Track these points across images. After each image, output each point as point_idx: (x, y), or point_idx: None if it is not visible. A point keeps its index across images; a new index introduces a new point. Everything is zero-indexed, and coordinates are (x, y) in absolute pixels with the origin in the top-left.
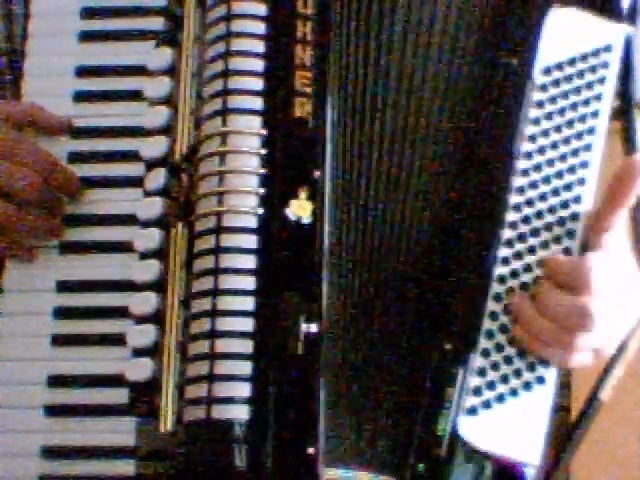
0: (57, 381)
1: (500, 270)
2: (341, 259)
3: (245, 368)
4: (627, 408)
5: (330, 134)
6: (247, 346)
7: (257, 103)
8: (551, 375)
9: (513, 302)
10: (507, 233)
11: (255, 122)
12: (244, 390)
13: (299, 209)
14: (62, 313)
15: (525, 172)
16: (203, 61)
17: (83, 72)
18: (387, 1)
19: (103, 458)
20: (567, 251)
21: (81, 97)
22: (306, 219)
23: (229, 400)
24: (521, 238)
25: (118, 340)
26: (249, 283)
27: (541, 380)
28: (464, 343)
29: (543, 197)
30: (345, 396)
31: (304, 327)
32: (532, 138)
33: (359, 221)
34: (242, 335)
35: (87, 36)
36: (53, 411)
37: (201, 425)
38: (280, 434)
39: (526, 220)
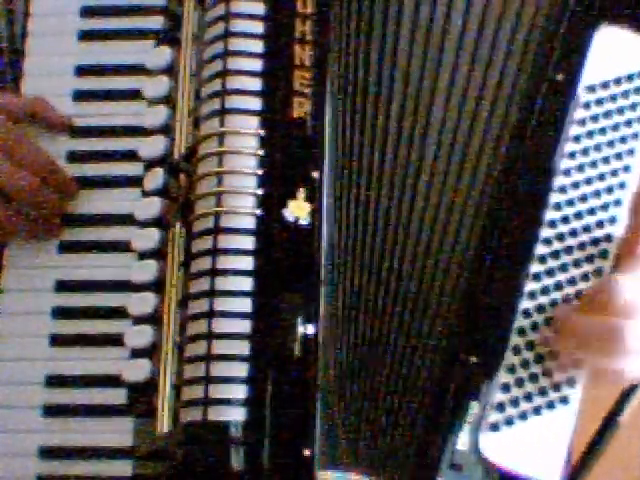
0: (55, 381)
1: (531, 286)
2: (339, 260)
3: (242, 370)
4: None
5: (329, 134)
6: (244, 347)
7: (255, 103)
8: (575, 396)
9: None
10: (540, 249)
11: (253, 122)
12: (241, 392)
13: (297, 210)
14: (61, 313)
15: (563, 189)
16: (202, 61)
17: (83, 71)
18: (389, 0)
19: (101, 458)
20: (599, 272)
21: (81, 96)
22: (304, 220)
23: (226, 401)
24: (554, 255)
25: (116, 340)
26: (246, 284)
27: (565, 400)
28: (491, 358)
29: (579, 215)
30: (345, 398)
31: (301, 328)
32: (572, 155)
33: (358, 222)
34: (239, 336)
35: (87, 35)
36: (51, 411)
37: (198, 426)
38: (277, 436)
39: (560, 237)
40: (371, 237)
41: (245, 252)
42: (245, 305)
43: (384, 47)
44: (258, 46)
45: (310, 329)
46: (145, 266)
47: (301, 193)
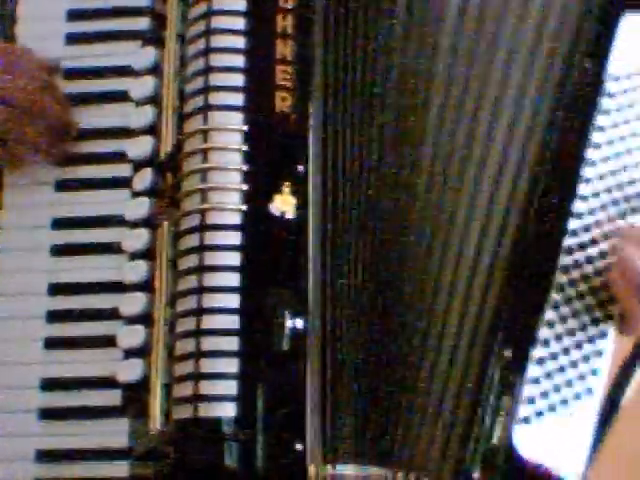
0: (51, 384)
1: (560, 278)
2: (327, 253)
3: (231, 365)
4: (635, 405)
5: (313, 128)
6: (233, 343)
7: (238, 99)
8: (599, 386)
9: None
10: (569, 240)
11: (236, 118)
12: (231, 388)
13: (283, 204)
14: (54, 316)
15: (588, 181)
16: (185, 58)
17: (71, 74)
18: None
19: (98, 460)
20: None
21: (69, 99)
22: (290, 214)
23: (216, 398)
24: (582, 247)
25: (110, 341)
26: (234, 280)
27: (590, 391)
28: (523, 351)
29: (603, 207)
30: (347, 393)
31: (290, 323)
32: (597, 146)
33: (344, 214)
34: (228, 332)
35: (74, 38)
36: (47, 414)
37: (189, 424)
38: (269, 431)
39: (586, 229)
40: (358, 229)
41: (232, 248)
42: (233, 301)
43: (367, 39)
44: (240, 42)
45: (299, 323)
46: (136, 267)
47: (286, 187)
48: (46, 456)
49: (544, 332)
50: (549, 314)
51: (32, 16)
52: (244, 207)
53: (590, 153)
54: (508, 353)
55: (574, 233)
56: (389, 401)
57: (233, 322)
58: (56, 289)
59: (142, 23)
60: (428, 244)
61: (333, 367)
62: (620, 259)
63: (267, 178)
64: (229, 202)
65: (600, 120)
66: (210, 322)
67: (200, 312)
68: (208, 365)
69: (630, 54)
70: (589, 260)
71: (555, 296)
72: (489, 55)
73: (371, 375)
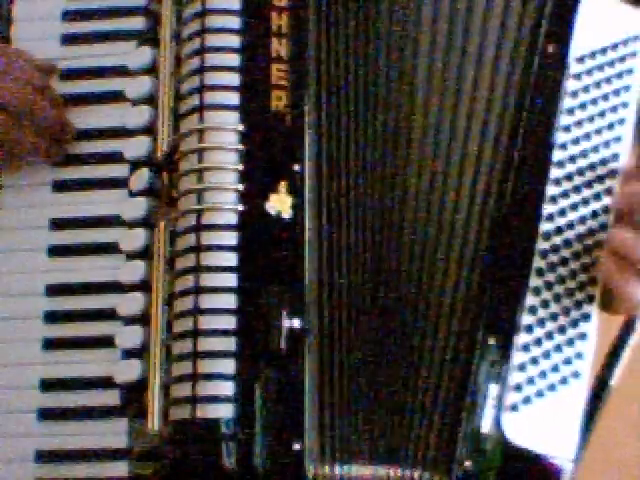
0: (50, 385)
1: (538, 263)
2: (324, 252)
3: (228, 366)
4: (627, 408)
5: (309, 126)
6: (230, 344)
7: (234, 98)
8: (586, 369)
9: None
10: (545, 226)
11: (232, 117)
12: (228, 388)
13: (279, 203)
14: (52, 317)
15: (560, 164)
16: (180, 58)
17: (67, 75)
18: None
19: (97, 460)
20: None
21: (66, 99)
22: (287, 213)
23: (213, 399)
24: (558, 232)
25: (108, 342)
26: (230, 280)
27: (576, 374)
28: (507, 338)
29: (577, 189)
30: (344, 393)
31: (287, 322)
32: (567, 129)
33: (341, 213)
34: (225, 333)
35: (69, 39)
36: (47, 415)
37: (186, 424)
38: (267, 431)
39: (562, 212)
40: (354, 228)
41: (228, 248)
42: (230, 301)
43: (361, 37)
44: (235, 41)
45: (296, 323)
46: (133, 267)
47: (283, 186)
48: (46, 456)
49: (527, 318)
50: (530, 300)
51: (28, 16)
52: (240, 207)
53: (560, 136)
54: (492, 341)
55: (550, 217)
56: (388, 400)
57: (230, 322)
58: (54, 290)
59: (137, 23)
60: (422, 241)
61: (330, 367)
62: (610, 237)
63: (263, 177)
64: (225, 202)
65: (568, 102)
66: (207, 322)
67: (197, 312)
68: (206, 366)
69: (592, 33)
70: (567, 243)
71: (535, 281)
72: (461, 48)
73: (369, 374)
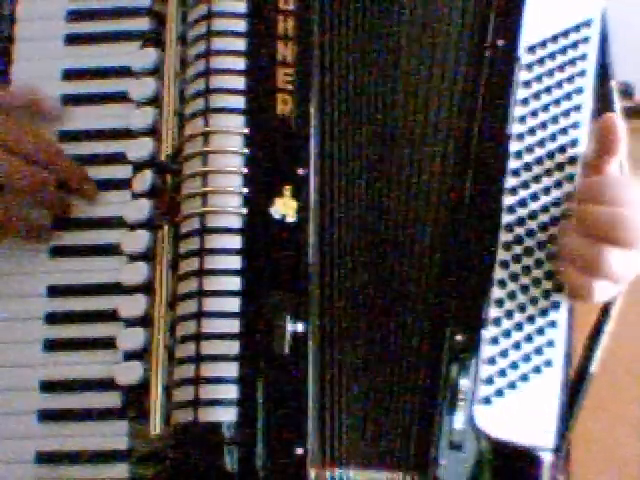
0: (50, 386)
1: (502, 255)
2: (327, 257)
3: (232, 369)
4: (626, 408)
5: (314, 131)
6: (233, 347)
7: (239, 102)
8: (559, 357)
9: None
10: (506, 218)
11: (237, 121)
12: (231, 392)
13: (284, 207)
14: (53, 318)
15: (518, 154)
16: (185, 60)
17: (70, 75)
18: None
19: (97, 462)
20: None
21: (68, 100)
22: (291, 217)
23: (216, 402)
24: (520, 222)
25: (109, 343)
26: (234, 284)
27: (549, 363)
28: (474, 332)
29: (537, 179)
30: (344, 397)
31: (290, 326)
32: (522, 119)
33: (347, 217)
34: (228, 336)
35: (73, 39)
36: (47, 416)
37: (189, 428)
38: (269, 435)
39: (522, 203)
40: (359, 232)
41: (232, 251)
42: (233, 304)
43: (367, 41)
44: (241, 44)
45: (299, 327)
46: (135, 268)
47: (287, 191)
48: (46, 458)
49: (494, 311)
50: (497, 293)
51: (31, 16)
52: (245, 210)
53: (516, 127)
54: (460, 338)
55: (511, 209)
56: (389, 402)
57: (234, 326)
58: (55, 291)
59: (142, 24)
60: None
61: (332, 371)
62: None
63: (268, 181)
64: (230, 205)
65: (521, 93)
66: (210, 326)
67: (200, 315)
68: (208, 369)
69: (543, 21)
70: (530, 234)
71: (501, 274)
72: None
73: (371, 377)
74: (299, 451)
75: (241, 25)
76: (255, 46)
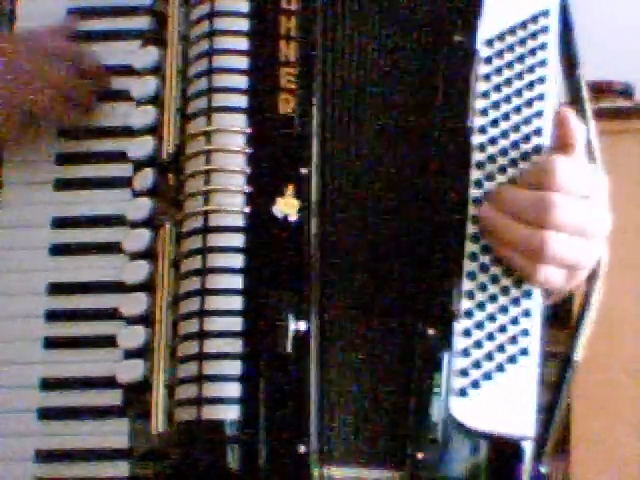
0: (50, 384)
1: (470, 248)
2: (330, 256)
3: (235, 368)
4: (626, 408)
5: (316, 130)
6: (236, 345)
7: (242, 101)
8: (534, 345)
9: (480, 211)
10: (472, 210)
11: (240, 120)
12: (234, 390)
13: (286, 206)
14: (53, 316)
15: (482, 147)
16: (188, 59)
17: None
18: None
19: (98, 460)
20: None
21: None
22: (293, 216)
23: (219, 400)
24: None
25: (110, 342)
26: (237, 282)
27: (525, 352)
28: (445, 326)
29: (502, 170)
30: (345, 396)
31: (293, 325)
32: (484, 112)
33: (349, 217)
34: (231, 335)
35: (74, 37)
36: (47, 414)
37: (192, 426)
38: (272, 433)
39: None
40: (360, 232)
41: (235, 250)
42: (236, 303)
43: (369, 40)
44: (243, 43)
45: (302, 326)
46: (137, 267)
47: (290, 190)
48: (46, 456)
49: (465, 303)
50: (467, 285)
51: (31, 14)
52: (247, 209)
53: (478, 120)
54: (431, 332)
55: (477, 201)
56: (382, 400)
57: (236, 324)
58: (56, 289)
59: (143, 22)
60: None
61: (334, 369)
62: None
63: (270, 180)
64: (232, 204)
65: (482, 86)
66: (213, 324)
67: (203, 313)
68: (211, 367)
69: (500, 14)
70: None
71: (470, 266)
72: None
73: (371, 376)
74: (302, 449)
75: (244, 24)
76: (257, 45)
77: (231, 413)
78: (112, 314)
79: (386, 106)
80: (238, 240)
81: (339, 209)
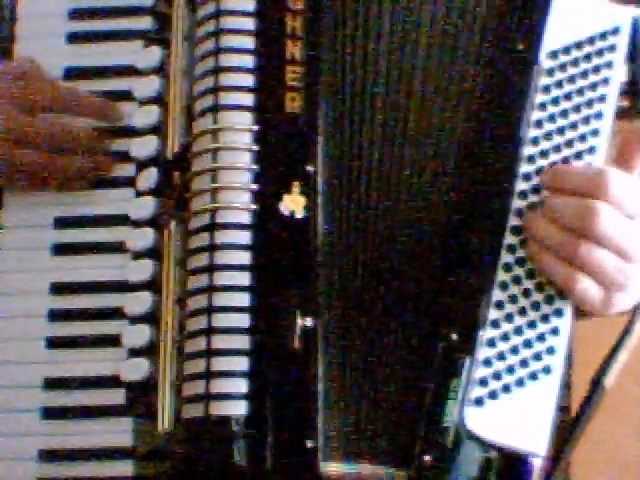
0: (53, 383)
1: (505, 258)
2: (336, 253)
3: (242, 364)
4: (627, 408)
5: (322, 128)
6: (244, 342)
7: (248, 99)
8: (558, 364)
9: (527, 218)
10: (513, 220)
11: (246, 118)
12: (242, 386)
13: (292, 204)
14: (57, 315)
15: (531, 159)
16: (194, 58)
17: (72, 73)
18: None
19: (101, 459)
20: None
21: None
22: (300, 214)
23: (227, 396)
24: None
25: (114, 341)
26: (244, 279)
27: (547, 370)
28: (470, 333)
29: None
30: (349, 393)
31: (300, 321)
32: (539, 123)
33: (354, 214)
34: (238, 331)
35: (75, 37)
36: (50, 413)
37: (200, 422)
38: (279, 429)
39: (532, 207)
40: (366, 229)
41: (242, 247)
42: (244, 299)
43: (375, 40)
44: (250, 42)
45: (309, 322)
46: (141, 266)
47: (296, 187)
48: (49, 455)
49: (493, 313)
50: (497, 295)
51: (33, 15)
52: (254, 207)
53: (532, 131)
54: (454, 337)
55: (519, 213)
56: (387, 399)
57: (244, 320)
58: (59, 288)
59: (145, 22)
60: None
61: (342, 365)
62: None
63: (277, 178)
64: (239, 201)
65: (540, 97)
66: (221, 320)
67: (211, 310)
68: (219, 363)
69: (568, 27)
70: None
71: (503, 276)
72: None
73: (378, 374)
74: (309, 445)
75: (250, 23)
76: (264, 44)
77: (239, 409)
78: (115, 313)
79: (393, 105)
80: (245, 237)
81: (347, 206)
